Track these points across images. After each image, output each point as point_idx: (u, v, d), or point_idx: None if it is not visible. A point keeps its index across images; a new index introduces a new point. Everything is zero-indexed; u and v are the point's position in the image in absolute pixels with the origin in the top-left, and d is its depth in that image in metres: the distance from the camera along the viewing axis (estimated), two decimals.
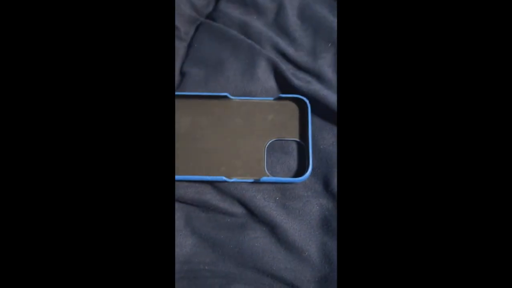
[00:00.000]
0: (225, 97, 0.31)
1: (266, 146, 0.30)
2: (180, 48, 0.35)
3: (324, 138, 0.30)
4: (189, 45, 0.35)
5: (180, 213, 0.29)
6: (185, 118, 0.31)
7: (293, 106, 0.31)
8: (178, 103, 0.31)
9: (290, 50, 0.34)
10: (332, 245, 0.28)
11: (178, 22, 0.35)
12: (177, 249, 0.27)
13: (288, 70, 0.33)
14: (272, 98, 0.31)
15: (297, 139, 0.30)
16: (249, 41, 0.34)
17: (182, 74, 0.34)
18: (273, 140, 0.30)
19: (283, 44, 0.34)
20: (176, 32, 0.35)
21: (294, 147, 0.30)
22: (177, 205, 0.29)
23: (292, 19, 0.35)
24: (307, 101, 0.30)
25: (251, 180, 0.28)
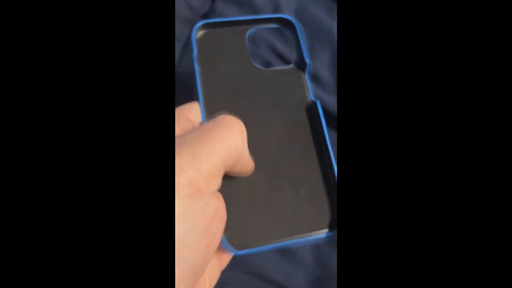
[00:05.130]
0: None
1: None
2: (176, 48, 0.35)
3: None
4: (185, 46, 0.35)
5: None
6: None
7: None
8: None
9: (286, 51, 0.34)
10: (325, 248, 0.28)
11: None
12: None
13: None
14: None
15: None
16: None
17: (177, 74, 0.34)
18: None
19: (280, 44, 0.34)
20: None
21: None
22: None
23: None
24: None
25: None
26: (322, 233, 0.20)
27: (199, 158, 0.16)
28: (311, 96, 0.24)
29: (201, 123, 0.22)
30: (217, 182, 0.17)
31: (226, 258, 0.22)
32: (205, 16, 0.37)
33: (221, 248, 0.20)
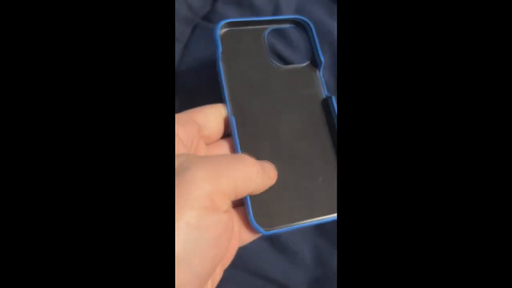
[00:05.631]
0: None
1: None
2: (176, 49, 0.35)
3: None
4: (185, 46, 0.35)
5: None
6: None
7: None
8: None
9: (286, 52, 0.34)
10: (325, 247, 0.28)
11: (175, 22, 0.35)
12: None
13: None
14: None
15: None
16: None
17: (177, 74, 0.34)
18: None
19: (280, 45, 0.34)
20: None
21: None
22: None
23: None
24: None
25: None
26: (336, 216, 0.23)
27: (219, 176, 0.17)
28: (325, 91, 0.26)
29: (227, 118, 0.24)
30: (229, 203, 0.19)
31: (228, 258, 0.23)
32: (205, 17, 0.37)
33: (250, 229, 0.23)
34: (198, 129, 0.23)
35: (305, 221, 0.23)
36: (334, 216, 0.23)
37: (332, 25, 0.34)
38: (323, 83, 0.26)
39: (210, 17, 0.36)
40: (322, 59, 0.26)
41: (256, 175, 0.20)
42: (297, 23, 0.28)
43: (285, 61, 0.34)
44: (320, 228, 0.29)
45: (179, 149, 0.20)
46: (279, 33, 0.35)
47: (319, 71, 0.26)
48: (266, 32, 0.27)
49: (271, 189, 0.22)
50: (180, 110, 0.24)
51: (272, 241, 0.28)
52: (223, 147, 0.24)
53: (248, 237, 0.25)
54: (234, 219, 0.22)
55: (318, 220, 0.23)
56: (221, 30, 0.26)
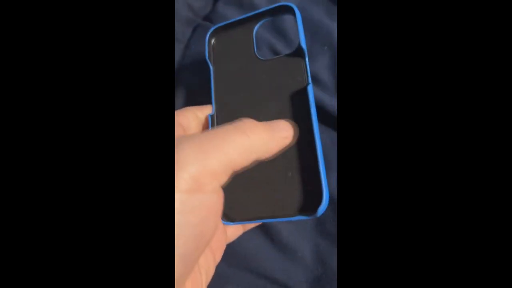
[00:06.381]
0: None
1: None
2: (177, 49, 0.35)
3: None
4: (186, 46, 0.36)
5: None
6: None
7: None
8: None
9: (286, 52, 0.34)
10: (325, 246, 0.28)
11: (176, 23, 0.35)
12: None
13: None
14: None
15: None
16: None
17: (179, 74, 0.34)
18: None
19: (280, 45, 0.35)
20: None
21: None
22: None
23: (289, 21, 0.35)
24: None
25: None
26: (299, 216, 0.21)
27: (205, 154, 0.16)
28: (308, 80, 0.24)
29: (207, 117, 0.25)
30: (222, 179, 0.17)
31: (219, 253, 0.23)
32: (206, 17, 0.37)
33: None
34: (183, 130, 0.24)
35: (266, 218, 0.23)
36: (296, 217, 0.22)
37: (332, 25, 0.34)
38: (308, 71, 0.24)
39: (211, 18, 0.37)
40: (304, 46, 0.25)
41: (258, 141, 0.18)
42: (282, 11, 0.27)
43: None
44: (320, 227, 0.29)
45: None
46: (278, 32, 0.35)
47: (304, 59, 0.25)
48: (256, 28, 0.27)
49: (237, 181, 0.22)
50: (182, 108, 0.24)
51: (272, 239, 0.29)
52: None
53: (233, 232, 0.25)
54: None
55: (279, 218, 0.22)
56: (212, 36, 0.28)
